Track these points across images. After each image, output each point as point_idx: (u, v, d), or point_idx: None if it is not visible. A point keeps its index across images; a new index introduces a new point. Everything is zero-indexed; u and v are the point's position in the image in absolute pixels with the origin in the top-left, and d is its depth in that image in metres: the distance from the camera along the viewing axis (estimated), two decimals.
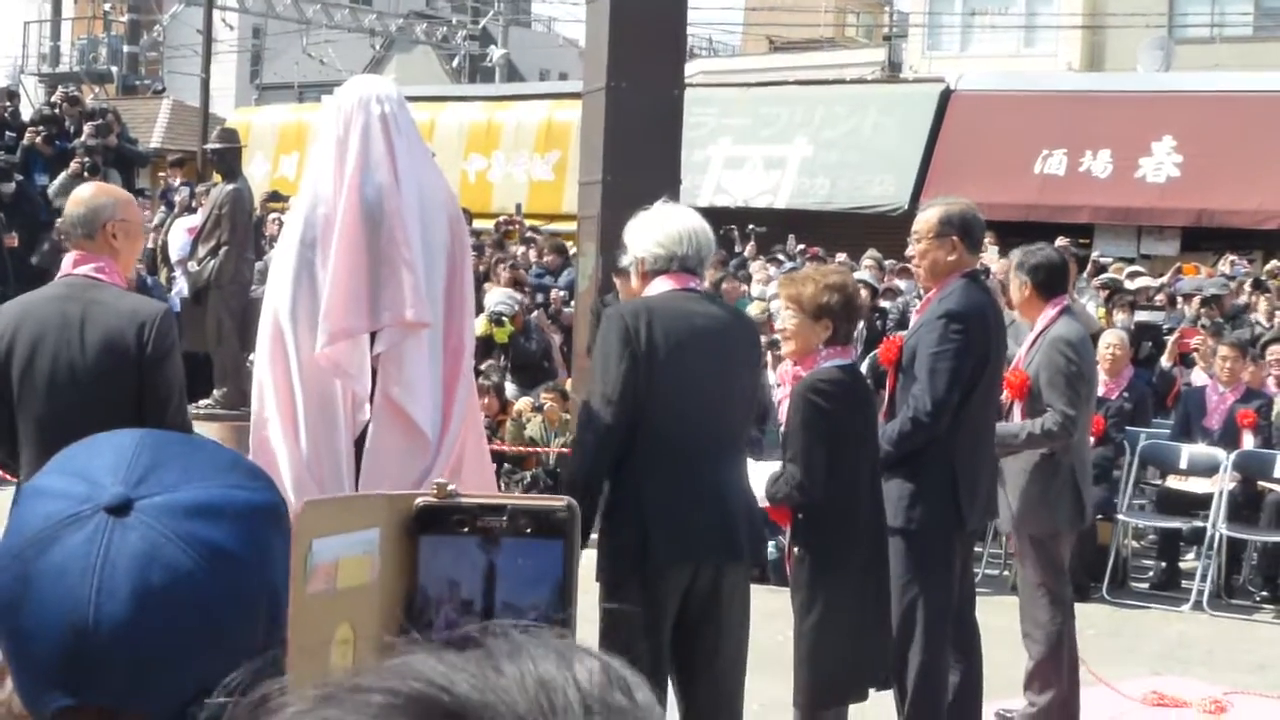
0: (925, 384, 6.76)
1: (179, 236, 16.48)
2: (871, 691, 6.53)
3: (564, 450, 13.41)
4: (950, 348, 6.77)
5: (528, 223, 23.34)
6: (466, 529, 1.32)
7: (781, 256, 20.72)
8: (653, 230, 5.99)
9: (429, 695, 0.80)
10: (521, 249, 19.62)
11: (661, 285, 5.92)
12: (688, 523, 5.74)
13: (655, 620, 5.76)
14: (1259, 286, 18.12)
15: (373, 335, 5.80)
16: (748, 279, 16.96)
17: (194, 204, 17.47)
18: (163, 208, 20.32)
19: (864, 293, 15.96)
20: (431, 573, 1.32)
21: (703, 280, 6.26)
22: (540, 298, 17.52)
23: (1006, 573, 8.96)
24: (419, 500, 1.33)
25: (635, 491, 5.73)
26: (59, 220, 6.38)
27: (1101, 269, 18.57)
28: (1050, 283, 7.96)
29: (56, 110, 22.27)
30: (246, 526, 1.45)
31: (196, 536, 1.43)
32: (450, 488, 1.33)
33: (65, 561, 1.42)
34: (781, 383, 6.49)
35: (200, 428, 8.35)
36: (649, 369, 5.71)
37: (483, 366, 13.80)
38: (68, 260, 6.03)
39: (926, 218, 7.12)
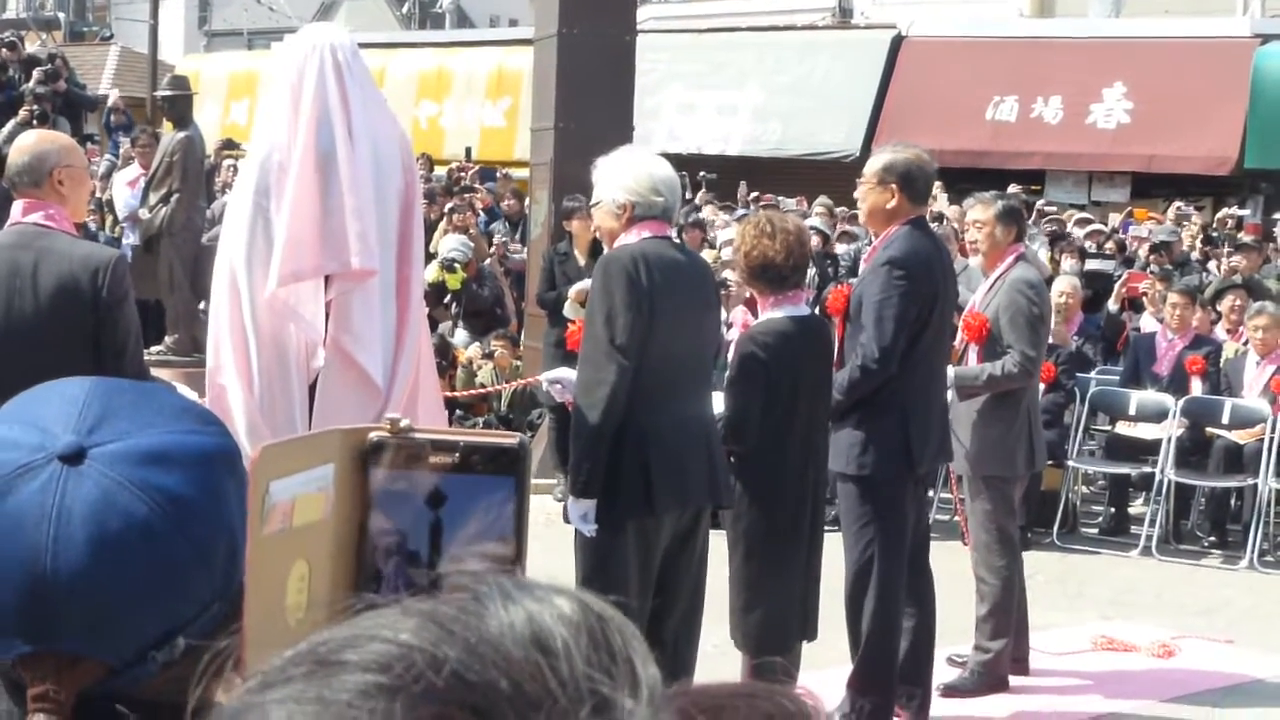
0: (872, 331, 6.80)
1: (122, 191, 16.38)
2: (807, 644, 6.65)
3: (525, 384, 13.43)
4: (895, 294, 6.80)
5: (482, 167, 23.20)
6: (418, 464, 1.33)
7: (733, 204, 20.67)
8: (647, 176, 6.03)
9: (416, 670, 0.75)
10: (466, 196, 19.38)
11: (644, 231, 5.98)
12: (684, 468, 5.90)
13: (647, 561, 5.89)
14: (1210, 242, 18.12)
15: (327, 282, 5.80)
16: (699, 225, 16.94)
17: (132, 154, 17.32)
18: (108, 155, 20.15)
19: (815, 240, 16.00)
20: (382, 509, 1.33)
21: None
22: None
23: (958, 519, 9.01)
24: (372, 435, 1.34)
25: (638, 436, 5.80)
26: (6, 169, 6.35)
27: (1045, 216, 18.54)
28: (1018, 228, 8.18)
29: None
30: (201, 472, 1.46)
31: (151, 483, 1.43)
32: (404, 423, 1.34)
33: (20, 511, 1.41)
34: (732, 325, 6.61)
35: (152, 374, 8.32)
36: (650, 316, 5.76)
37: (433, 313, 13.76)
38: (16, 208, 5.98)
39: (872, 163, 7.19)
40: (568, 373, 6.26)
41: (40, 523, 1.41)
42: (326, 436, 1.33)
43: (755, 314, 6.96)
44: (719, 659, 6.67)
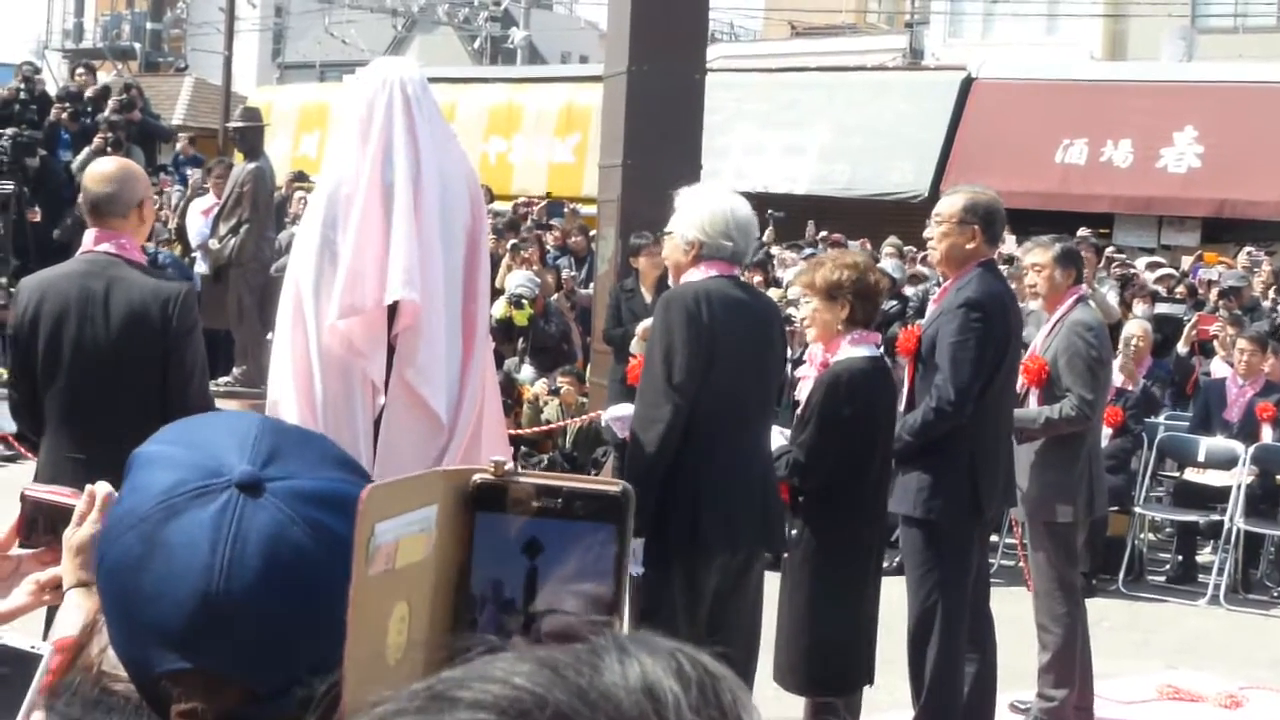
0: (948, 373, 6.74)
1: (195, 220, 16.56)
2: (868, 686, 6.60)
3: (588, 419, 13.42)
4: (971, 336, 6.76)
5: (550, 202, 23.17)
6: (520, 509, 1.33)
7: (800, 242, 20.62)
8: (723, 219, 6.03)
9: (524, 709, 0.78)
10: (537, 233, 19.37)
11: (710, 270, 5.98)
12: (736, 511, 5.87)
13: (694, 602, 5.85)
14: None
15: (392, 319, 5.81)
16: (765, 264, 16.86)
17: (205, 184, 17.49)
18: (178, 185, 20.34)
19: (883, 281, 15.93)
20: (482, 554, 1.33)
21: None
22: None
23: (1021, 564, 8.95)
24: (476, 477, 1.34)
25: (690, 475, 5.79)
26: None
27: (1113, 263, 18.38)
28: (1076, 270, 8.09)
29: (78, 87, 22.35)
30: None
31: (320, 523, 1.50)
32: (508, 466, 1.34)
33: (195, 531, 1.48)
34: (810, 362, 6.54)
35: (220, 405, 8.37)
36: (710, 355, 5.75)
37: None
38: (88, 237, 6.01)
39: (951, 202, 7.12)
40: (629, 409, 6.25)
41: (216, 545, 1.47)
42: (430, 478, 1.34)
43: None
44: (777, 703, 6.63)
